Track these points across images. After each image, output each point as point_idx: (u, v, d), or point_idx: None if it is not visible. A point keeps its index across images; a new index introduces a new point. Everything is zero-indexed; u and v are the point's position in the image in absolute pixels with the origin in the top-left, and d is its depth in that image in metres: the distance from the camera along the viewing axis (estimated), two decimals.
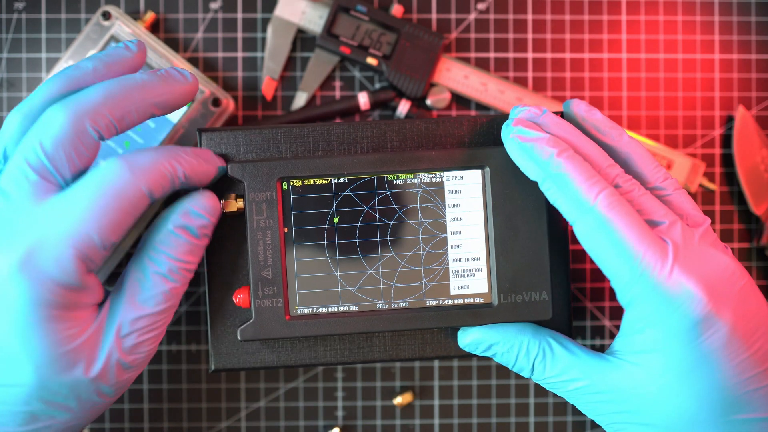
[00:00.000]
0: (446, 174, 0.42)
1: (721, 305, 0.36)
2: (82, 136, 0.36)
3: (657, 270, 0.36)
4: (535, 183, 0.40)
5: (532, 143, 0.38)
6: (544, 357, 0.40)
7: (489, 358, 0.53)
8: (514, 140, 0.39)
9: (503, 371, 0.53)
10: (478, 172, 0.41)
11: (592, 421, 0.54)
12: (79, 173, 0.37)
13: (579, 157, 0.38)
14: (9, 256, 0.35)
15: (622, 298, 0.38)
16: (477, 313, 0.41)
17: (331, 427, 0.53)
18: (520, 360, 0.40)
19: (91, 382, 0.37)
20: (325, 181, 0.41)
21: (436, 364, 0.53)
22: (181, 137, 0.51)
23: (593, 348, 0.54)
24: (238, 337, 0.41)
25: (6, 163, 0.37)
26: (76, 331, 0.36)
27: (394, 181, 0.41)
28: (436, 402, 0.53)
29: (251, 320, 0.41)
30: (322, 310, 0.41)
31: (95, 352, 0.37)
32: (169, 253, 0.38)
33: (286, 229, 0.41)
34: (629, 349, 0.38)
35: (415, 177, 0.41)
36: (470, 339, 0.41)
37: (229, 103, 0.51)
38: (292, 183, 0.41)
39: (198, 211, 0.39)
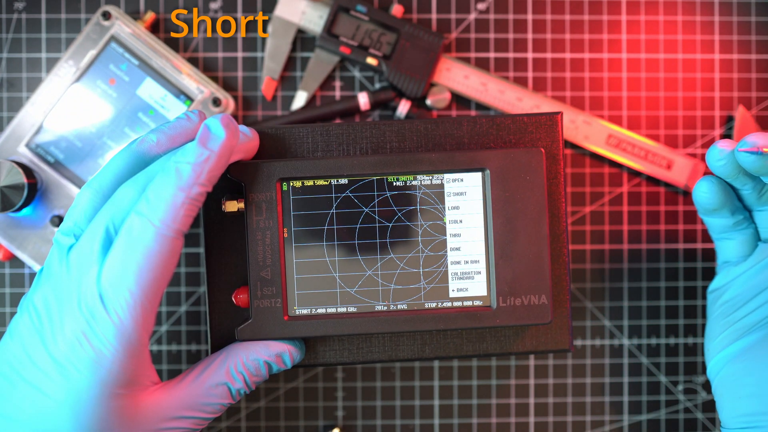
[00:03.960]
0: (446, 176, 0.41)
1: None
2: None
3: None
4: (535, 185, 0.40)
5: None
6: None
7: (489, 358, 0.53)
8: (747, 152, 0.39)
9: (503, 371, 0.53)
10: (479, 174, 0.41)
11: (593, 421, 0.54)
12: None
13: None
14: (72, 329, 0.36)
15: None
16: (475, 316, 0.41)
17: (331, 427, 0.53)
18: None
19: None
20: (325, 182, 0.41)
21: (436, 364, 0.53)
22: None
23: (593, 348, 0.54)
24: (237, 338, 0.41)
25: (78, 239, 0.38)
26: (136, 414, 0.37)
27: (394, 183, 0.41)
28: (436, 402, 0.54)
29: (249, 320, 0.41)
30: (321, 311, 0.41)
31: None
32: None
33: (285, 230, 0.41)
34: None
35: (415, 179, 0.41)
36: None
37: (229, 103, 0.51)
38: (291, 184, 0.41)
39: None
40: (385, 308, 0.42)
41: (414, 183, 0.41)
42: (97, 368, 0.35)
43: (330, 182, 0.41)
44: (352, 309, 0.42)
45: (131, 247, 0.36)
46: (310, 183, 0.41)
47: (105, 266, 0.36)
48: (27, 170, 0.49)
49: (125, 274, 0.35)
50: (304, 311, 0.41)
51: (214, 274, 0.43)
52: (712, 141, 0.54)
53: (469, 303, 0.42)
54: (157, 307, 0.37)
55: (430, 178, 0.41)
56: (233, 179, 0.41)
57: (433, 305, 0.42)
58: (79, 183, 0.50)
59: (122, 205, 0.37)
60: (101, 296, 0.35)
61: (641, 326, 0.54)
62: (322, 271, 0.41)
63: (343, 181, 0.41)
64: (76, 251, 0.37)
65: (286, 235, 0.41)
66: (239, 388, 0.40)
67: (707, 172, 0.53)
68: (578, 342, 0.54)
